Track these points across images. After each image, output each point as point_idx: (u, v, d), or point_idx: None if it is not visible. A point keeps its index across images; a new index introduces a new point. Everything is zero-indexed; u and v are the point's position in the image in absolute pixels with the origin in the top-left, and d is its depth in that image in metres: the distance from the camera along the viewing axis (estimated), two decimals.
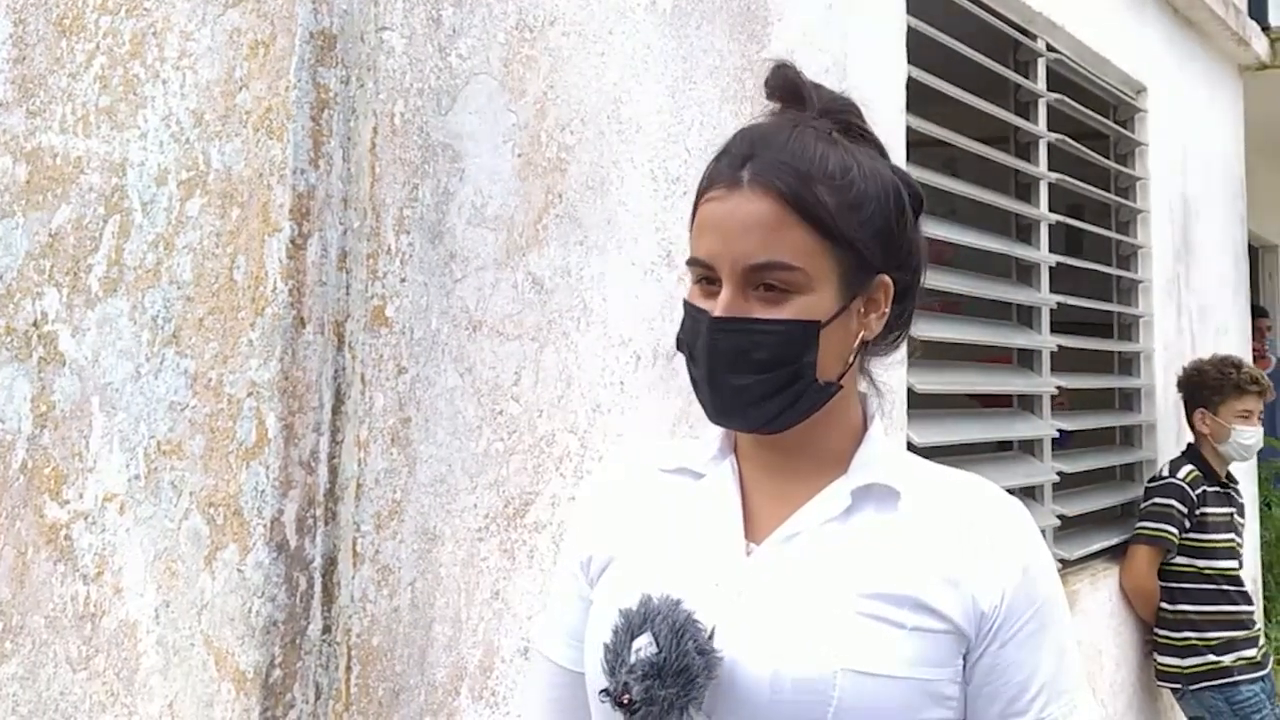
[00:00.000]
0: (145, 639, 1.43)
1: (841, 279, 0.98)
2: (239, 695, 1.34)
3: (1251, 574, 4.08)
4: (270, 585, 1.34)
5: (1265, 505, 4.86)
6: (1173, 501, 3.37)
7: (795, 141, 0.98)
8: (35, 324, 1.63)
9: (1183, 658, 3.33)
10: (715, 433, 1.09)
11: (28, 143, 1.68)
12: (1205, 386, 3.48)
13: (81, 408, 1.55)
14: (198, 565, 1.40)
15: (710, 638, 0.93)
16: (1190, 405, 3.54)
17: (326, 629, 1.39)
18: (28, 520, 1.59)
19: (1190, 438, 3.67)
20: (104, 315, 1.55)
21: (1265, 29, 4.91)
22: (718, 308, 0.97)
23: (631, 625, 0.93)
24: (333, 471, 1.41)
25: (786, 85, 1.04)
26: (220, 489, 1.40)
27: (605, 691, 0.92)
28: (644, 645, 0.91)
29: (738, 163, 0.98)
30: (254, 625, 1.34)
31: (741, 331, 0.96)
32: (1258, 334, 5.66)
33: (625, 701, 0.91)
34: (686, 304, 1.02)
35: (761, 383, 0.97)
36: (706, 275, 0.99)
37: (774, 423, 1.00)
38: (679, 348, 1.04)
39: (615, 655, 0.93)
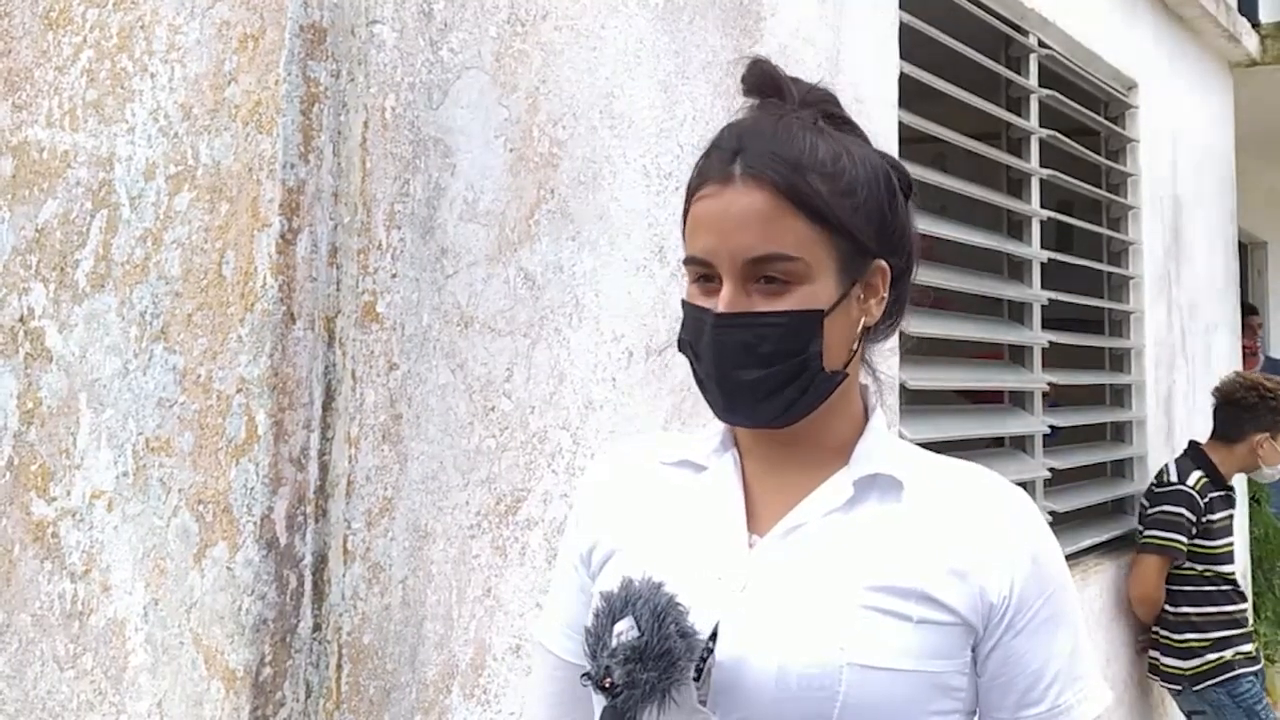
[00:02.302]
0: (134, 637, 1.42)
1: (840, 266, 0.98)
2: (229, 694, 1.33)
3: (1241, 569, 4.09)
4: (260, 583, 1.33)
5: (1254, 501, 4.87)
6: (1183, 510, 3.35)
7: (783, 132, 0.98)
8: (21, 319, 1.62)
9: (1184, 659, 3.34)
10: (717, 425, 1.08)
11: (13, 137, 1.66)
12: (1278, 413, 3.43)
13: (69, 404, 1.54)
14: (187, 563, 1.39)
15: (699, 626, 0.93)
16: (1248, 422, 3.46)
17: (317, 627, 1.38)
18: (14, 518, 1.58)
19: (1191, 436, 3.66)
20: (91, 311, 1.53)
21: (1255, 25, 4.92)
22: (720, 304, 0.96)
23: (613, 609, 0.92)
24: (323, 468, 1.40)
25: (765, 79, 1.04)
26: (209, 486, 1.39)
27: (587, 675, 0.92)
28: (625, 629, 0.90)
29: (728, 157, 0.98)
30: (244, 623, 1.33)
31: (745, 326, 0.96)
32: (1250, 331, 5.67)
33: (607, 685, 0.90)
34: (686, 304, 1.01)
35: (770, 377, 0.96)
36: (704, 274, 0.98)
37: (784, 416, 0.99)
38: (681, 349, 1.03)
39: (597, 639, 0.92)
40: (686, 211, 1.01)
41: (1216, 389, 3.59)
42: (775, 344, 0.96)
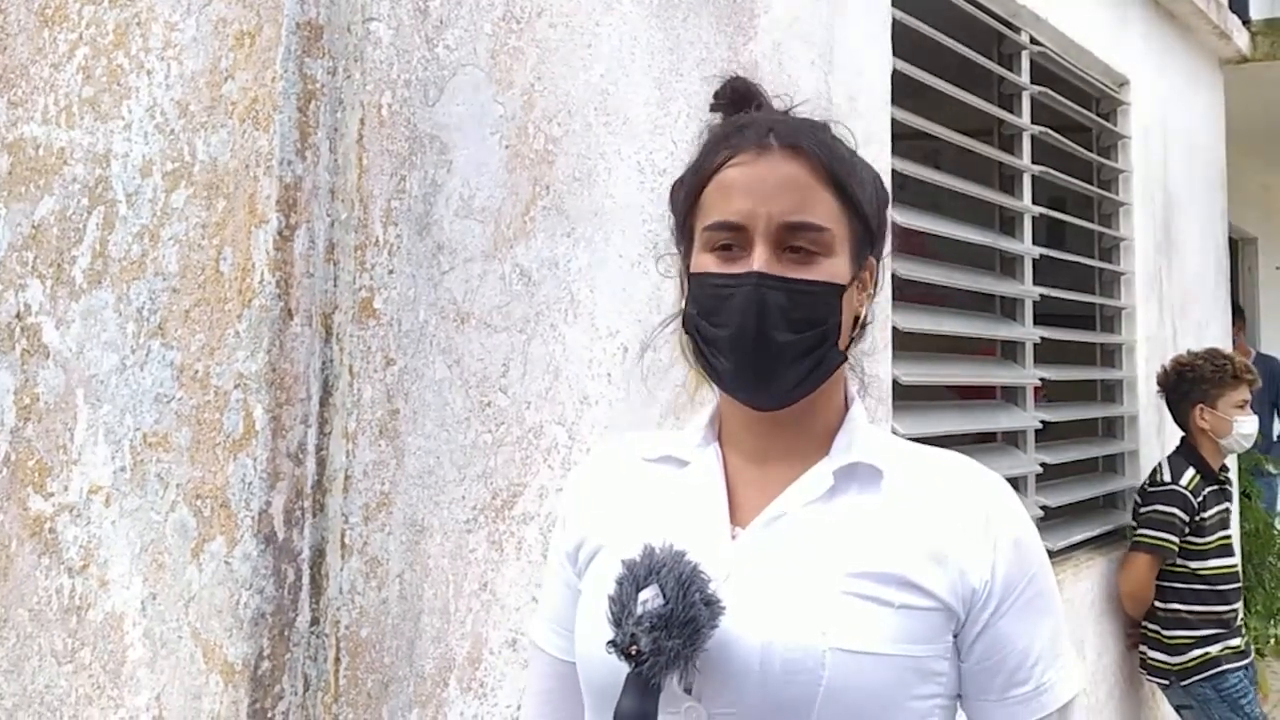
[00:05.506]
0: (132, 631, 1.43)
1: (852, 248, 1.02)
2: (227, 687, 1.34)
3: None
4: (258, 577, 1.34)
5: (1245, 496, 4.89)
6: (1176, 510, 3.32)
7: (808, 121, 1.05)
8: (18, 316, 1.62)
9: (1172, 655, 3.33)
10: (699, 421, 1.10)
11: (9, 134, 1.67)
12: (1203, 381, 3.38)
13: (66, 400, 1.54)
14: (185, 557, 1.40)
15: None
16: (1183, 402, 3.44)
17: (315, 621, 1.39)
18: (11, 513, 1.58)
19: (1180, 435, 3.67)
20: (88, 307, 1.54)
21: (1246, 23, 4.94)
22: (757, 264, 0.98)
23: (636, 576, 0.92)
24: (321, 463, 1.40)
25: (747, 93, 1.08)
26: (207, 481, 1.39)
27: (612, 643, 0.92)
28: (650, 597, 0.90)
29: (762, 131, 1.01)
30: (242, 617, 1.34)
31: (782, 289, 0.98)
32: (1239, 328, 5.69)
33: (633, 653, 0.90)
34: (702, 275, 1.01)
35: (798, 342, 0.98)
36: (728, 241, 1.00)
37: (798, 388, 1.00)
38: (687, 326, 1.03)
39: (621, 607, 0.92)
40: (704, 184, 1.03)
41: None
42: (805, 310, 0.98)
